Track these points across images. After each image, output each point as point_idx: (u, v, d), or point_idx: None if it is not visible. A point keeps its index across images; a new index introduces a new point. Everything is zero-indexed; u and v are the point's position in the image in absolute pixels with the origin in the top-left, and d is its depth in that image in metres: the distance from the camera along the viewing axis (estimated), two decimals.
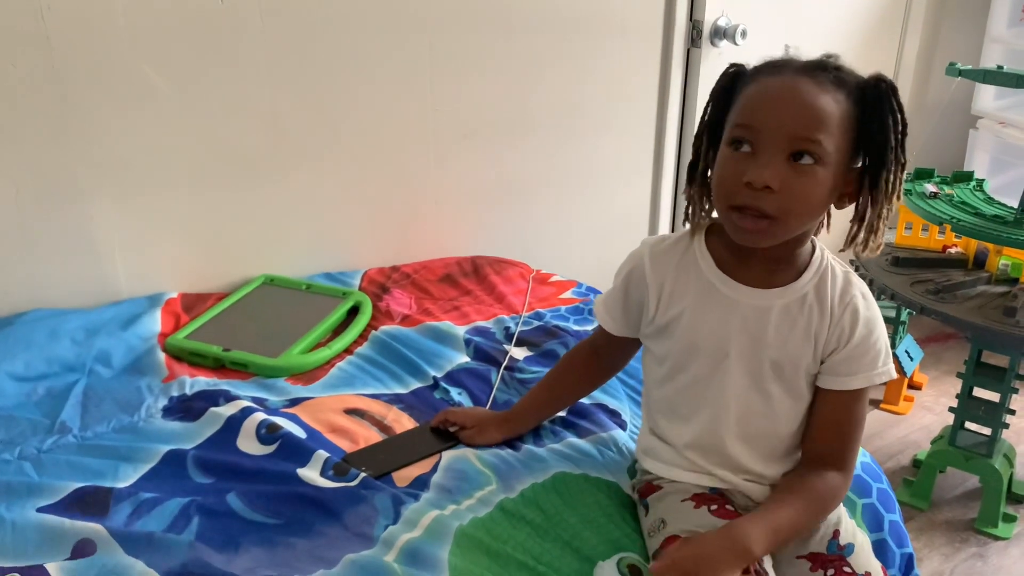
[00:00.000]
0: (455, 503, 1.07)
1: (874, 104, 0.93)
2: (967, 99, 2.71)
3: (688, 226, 1.07)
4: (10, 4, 1.33)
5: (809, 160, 0.92)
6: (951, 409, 1.94)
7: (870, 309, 1.02)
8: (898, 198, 0.97)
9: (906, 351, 2.36)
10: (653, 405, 1.13)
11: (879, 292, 1.92)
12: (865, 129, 0.94)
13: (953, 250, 1.99)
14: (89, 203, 1.50)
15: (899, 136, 0.94)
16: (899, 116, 0.94)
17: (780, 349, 1.01)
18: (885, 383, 2.39)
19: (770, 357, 1.02)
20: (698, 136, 1.03)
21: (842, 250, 1.03)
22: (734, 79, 0.99)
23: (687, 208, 1.05)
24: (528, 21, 1.88)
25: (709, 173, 1.02)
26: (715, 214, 1.03)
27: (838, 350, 1.01)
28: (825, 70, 0.93)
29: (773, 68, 0.95)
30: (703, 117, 1.03)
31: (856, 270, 1.94)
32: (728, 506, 1.04)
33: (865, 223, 0.99)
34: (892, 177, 0.95)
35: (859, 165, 0.97)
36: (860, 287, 1.03)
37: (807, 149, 0.91)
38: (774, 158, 0.92)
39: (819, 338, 1.01)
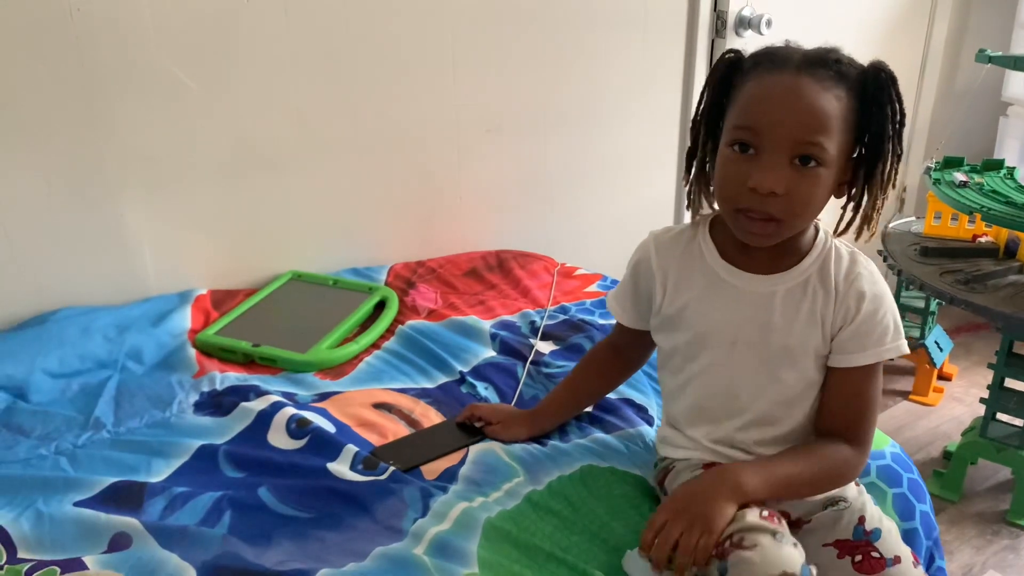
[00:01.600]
0: (483, 495, 1.08)
1: (874, 95, 0.93)
2: (997, 86, 2.67)
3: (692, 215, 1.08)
4: (40, 5, 1.35)
5: (812, 163, 0.92)
6: (982, 400, 1.92)
7: (876, 285, 1.01)
8: (893, 187, 0.97)
9: (935, 342, 2.33)
10: (668, 399, 1.14)
11: (908, 283, 1.90)
12: (864, 120, 0.94)
13: (983, 239, 1.96)
14: (119, 200, 1.52)
15: (896, 126, 0.95)
16: (897, 106, 0.94)
17: (787, 333, 1.01)
18: (914, 374, 2.37)
19: (778, 342, 1.02)
20: (695, 125, 1.02)
21: (838, 235, 1.03)
22: (731, 67, 0.97)
23: (688, 199, 1.06)
24: (552, 14, 1.88)
25: (707, 166, 1.02)
26: (716, 206, 1.03)
27: (845, 327, 1.00)
28: (826, 65, 0.92)
29: (773, 62, 0.93)
30: (699, 105, 1.01)
31: (884, 260, 1.95)
32: None
33: (861, 212, 0.99)
34: (888, 168, 0.96)
35: (856, 155, 0.97)
36: (866, 265, 1.03)
37: (810, 153, 0.91)
38: (777, 161, 0.91)
39: (825, 318, 1.01)
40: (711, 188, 1.03)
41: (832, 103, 0.91)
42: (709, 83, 0.99)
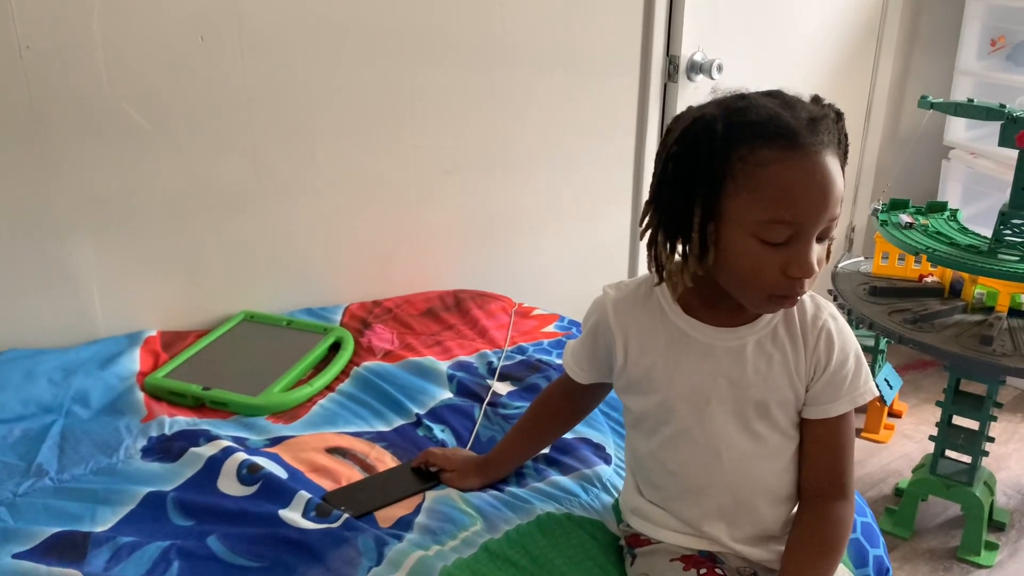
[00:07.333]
0: (439, 544, 1.06)
1: (840, 140, 0.92)
2: (939, 130, 2.75)
3: (652, 270, 0.99)
4: None
5: (831, 232, 0.92)
6: (931, 437, 1.95)
7: (842, 332, 1.00)
8: None
9: (885, 379, 2.37)
10: (639, 462, 1.10)
11: (857, 322, 1.93)
12: None
13: (929, 279, 2.01)
14: (67, 240, 1.49)
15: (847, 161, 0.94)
16: (847, 142, 0.94)
17: (762, 388, 0.99)
18: (865, 412, 2.41)
19: (753, 397, 0.99)
20: (684, 202, 0.91)
21: None
22: (724, 141, 0.88)
23: (659, 270, 0.96)
24: (508, 57, 1.90)
25: (702, 246, 0.92)
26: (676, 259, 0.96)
27: (817, 378, 0.99)
28: (824, 127, 0.89)
29: (787, 139, 0.87)
30: (674, 179, 0.91)
31: (834, 300, 1.98)
32: (718, 569, 1.01)
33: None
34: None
35: None
36: (829, 309, 1.01)
37: (832, 227, 0.91)
38: (811, 243, 0.90)
39: (798, 369, 0.99)
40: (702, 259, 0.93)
41: (840, 172, 0.90)
42: (698, 161, 0.89)
